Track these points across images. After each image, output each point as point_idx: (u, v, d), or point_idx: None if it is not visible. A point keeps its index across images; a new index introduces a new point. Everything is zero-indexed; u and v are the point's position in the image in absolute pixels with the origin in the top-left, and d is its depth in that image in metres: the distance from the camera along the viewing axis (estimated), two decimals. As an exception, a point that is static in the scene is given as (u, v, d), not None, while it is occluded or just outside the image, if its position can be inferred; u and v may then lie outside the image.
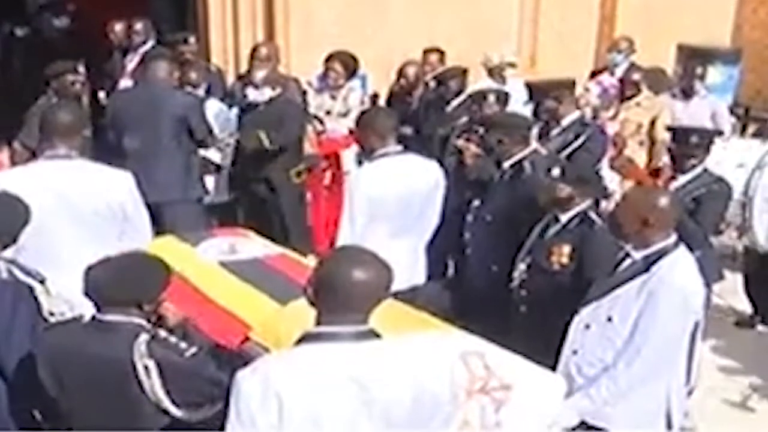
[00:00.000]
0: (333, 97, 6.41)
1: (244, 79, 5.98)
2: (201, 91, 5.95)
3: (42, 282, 3.07)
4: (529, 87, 5.36)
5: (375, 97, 7.08)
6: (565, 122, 5.00)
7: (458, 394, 2.39)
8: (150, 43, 6.93)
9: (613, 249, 3.31)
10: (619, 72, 6.81)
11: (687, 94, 6.70)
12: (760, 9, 9.50)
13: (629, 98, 6.35)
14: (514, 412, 2.50)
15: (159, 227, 4.90)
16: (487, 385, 2.45)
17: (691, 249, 3.27)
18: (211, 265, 3.76)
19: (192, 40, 6.75)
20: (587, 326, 3.25)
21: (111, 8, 7.77)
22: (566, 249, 3.75)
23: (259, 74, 5.64)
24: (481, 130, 4.82)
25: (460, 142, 5.01)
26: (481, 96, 5.33)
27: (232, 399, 2.20)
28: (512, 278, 3.96)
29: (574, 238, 3.75)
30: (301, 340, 2.28)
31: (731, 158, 4.92)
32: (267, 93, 5.58)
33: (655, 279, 3.08)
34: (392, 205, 4.22)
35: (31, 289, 3.00)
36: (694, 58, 7.68)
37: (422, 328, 3.08)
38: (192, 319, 2.92)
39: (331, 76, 6.37)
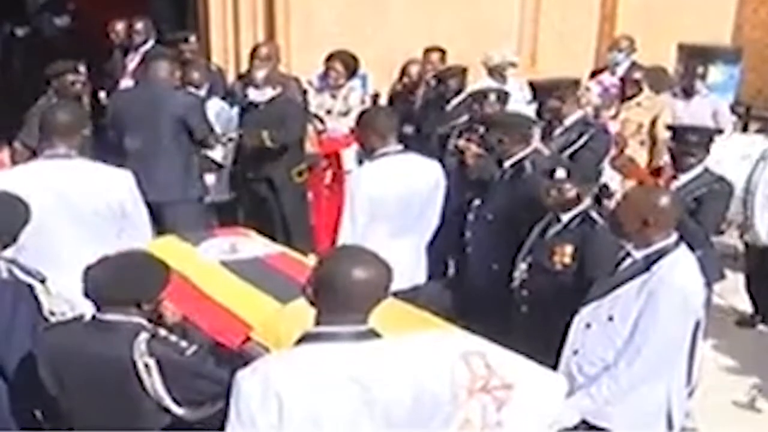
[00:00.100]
0: (333, 97, 6.41)
1: (245, 79, 5.97)
2: (203, 91, 5.95)
3: (42, 281, 3.07)
4: (533, 86, 5.35)
5: (376, 96, 7.08)
6: (568, 122, 4.99)
7: (459, 393, 2.39)
8: (150, 43, 6.93)
9: (614, 249, 3.31)
10: (620, 71, 6.80)
11: (688, 93, 6.69)
12: (761, 9, 9.50)
13: (630, 98, 6.34)
14: (516, 411, 2.50)
15: (159, 227, 4.92)
16: (488, 384, 2.45)
17: (692, 248, 3.26)
18: (212, 265, 3.75)
19: (192, 39, 6.74)
20: (588, 325, 3.24)
21: (111, 8, 7.77)
22: (568, 249, 3.75)
23: (260, 74, 5.63)
24: (482, 130, 4.82)
25: (461, 142, 5.01)
26: (481, 95, 5.33)
27: (232, 399, 2.20)
28: (513, 278, 3.96)
29: (575, 238, 3.75)
30: (301, 340, 2.28)
31: (735, 151, 4.90)
32: (268, 92, 5.58)
33: (656, 279, 3.08)
34: (393, 204, 4.22)
35: (31, 288, 3.00)
36: (695, 58, 7.68)
37: (423, 328, 3.08)
38: (192, 319, 2.92)
39: (332, 75, 6.37)
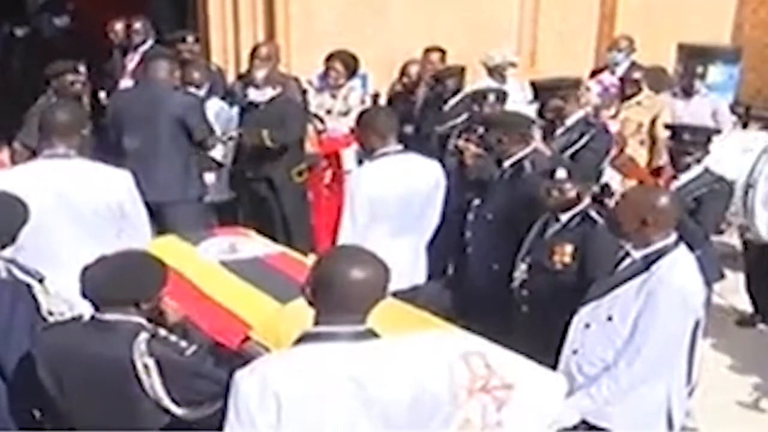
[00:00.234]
0: (333, 96, 6.41)
1: (245, 79, 5.97)
2: (203, 91, 5.95)
3: (41, 281, 3.06)
4: (534, 86, 5.35)
5: (376, 96, 7.08)
6: (569, 121, 4.99)
7: (458, 393, 2.38)
8: (149, 43, 6.93)
9: (614, 248, 3.31)
10: (620, 71, 6.81)
11: (687, 93, 6.69)
12: (761, 8, 9.49)
13: (630, 97, 6.35)
14: (516, 411, 2.50)
15: (159, 227, 4.92)
16: (488, 384, 2.45)
17: (691, 248, 3.26)
18: (211, 265, 3.76)
19: (190, 38, 6.73)
20: (587, 325, 3.24)
21: (111, 8, 7.76)
22: (568, 248, 3.75)
23: (260, 74, 5.63)
24: (481, 130, 4.82)
25: (460, 143, 5.01)
26: (480, 95, 5.34)
27: (231, 399, 2.20)
28: (513, 278, 3.95)
29: (575, 238, 3.75)
30: (299, 340, 2.27)
31: (736, 144, 4.90)
32: (268, 92, 5.58)
33: (655, 278, 3.07)
34: (393, 204, 4.22)
35: (29, 288, 3.00)
36: (695, 57, 7.68)
37: (423, 328, 3.08)
38: (192, 318, 2.92)
39: (332, 75, 6.37)
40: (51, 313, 3.01)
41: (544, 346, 3.18)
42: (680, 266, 3.12)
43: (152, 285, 2.72)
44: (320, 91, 6.51)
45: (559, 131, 5.00)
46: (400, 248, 4.17)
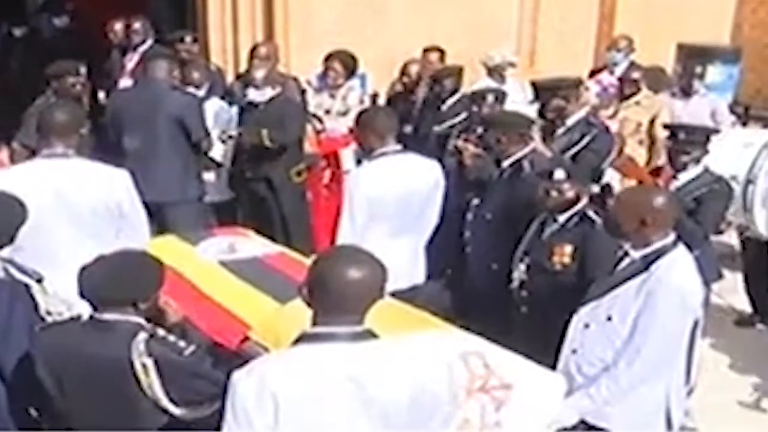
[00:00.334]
0: (332, 96, 6.41)
1: (244, 79, 5.97)
2: (203, 91, 5.95)
3: (39, 281, 3.06)
4: (535, 86, 5.35)
5: (375, 96, 7.08)
6: (570, 122, 4.99)
7: (458, 393, 2.38)
8: (149, 43, 6.93)
9: (614, 248, 3.31)
10: (619, 71, 6.80)
11: (686, 92, 6.69)
12: (760, 8, 9.49)
13: (629, 97, 6.34)
14: (515, 411, 2.50)
15: (158, 227, 4.92)
16: (487, 384, 2.45)
17: (690, 248, 3.26)
18: (210, 265, 3.76)
19: (188, 39, 6.73)
20: (587, 325, 3.24)
21: (110, 8, 7.76)
22: (568, 249, 3.74)
23: (259, 74, 5.63)
24: (480, 130, 4.82)
25: (459, 143, 5.01)
26: (479, 96, 5.34)
27: (228, 400, 2.19)
28: (512, 278, 3.95)
29: (575, 238, 3.74)
30: (297, 341, 2.27)
31: (736, 139, 4.89)
32: (267, 93, 5.57)
33: (654, 278, 3.07)
34: (392, 204, 4.22)
35: (27, 288, 2.99)
36: (694, 57, 7.67)
37: (422, 328, 3.08)
38: (191, 318, 2.91)
39: (331, 75, 6.37)
40: (49, 313, 3.01)
41: (544, 346, 3.18)
42: (679, 266, 3.12)
43: (149, 284, 2.72)
44: (319, 91, 6.50)
45: (559, 131, 5.00)
46: (399, 248, 4.17)
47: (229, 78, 7.13)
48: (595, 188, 4.20)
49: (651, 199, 3.16)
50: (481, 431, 2.46)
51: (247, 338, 3.11)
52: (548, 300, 3.69)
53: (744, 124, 8.09)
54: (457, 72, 6.09)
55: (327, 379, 2.18)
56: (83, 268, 2.67)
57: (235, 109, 5.91)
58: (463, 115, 5.54)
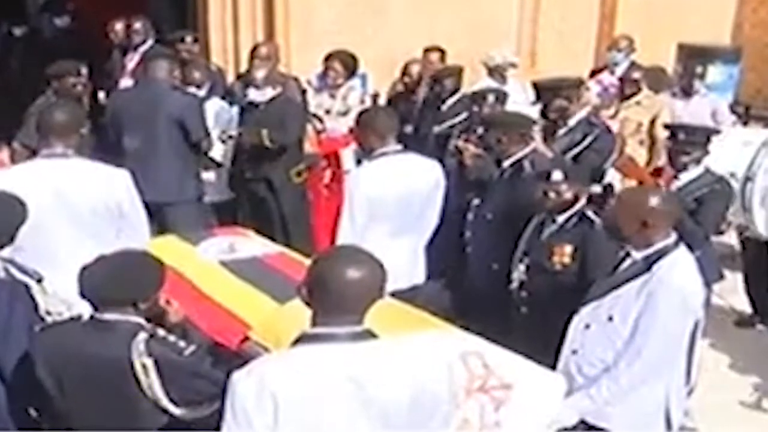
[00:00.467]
0: (332, 96, 6.40)
1: (245, 79, 5.97)
2: (203, 91, 5.95)
3: (39, 281, 3.06)
4: (536, 86, 5.34)
5: (375, 96, 7.08)
6: (572, 122, 4.99)
7: (457, 393, 2.38)
8: (149, 43, 6.93)
9: (614, 248, 3.31)
10: (619, 71, 6.80)
11: (687, 92, 6.69)
12: (761, 8, 9.49)
13: (629, 97, 6.34)
14: (514, 411, 2.50)
15: (159, 227, 4.92)
16: (486, 384, 2.45)
17: (691, 249, 3.26)
18: (211, 265, 3.76)
19: (189, 38, 6.73)
20: (587, 326, 3.24)
21: (111, 8, 7.76)
22: (568, 249, 3.74)
23: (260, 74, 5.62)
24: (480, 130, 4.82)
25: (460, 143, 5.01)
26: (480, 96, 5.34)
27: (228, 400, 2.19)
28: (512, 278, 3.95)
29: (574, 238, 3.74)
30: (297, 341, 2.27)
31: (736, 138, 4.89)
32: (268, 92, 5.57)
33: (655, 279, 3.07)
34: (392, 204, 4.22)
35: (27, 288, 2.99)
36: (694, 57, 7.67)
37: (422, 328, 3.08)
38: (191, 318, 2.92)
39: (331, 75, 6.36)
40: (49, 313, 3.01)
41: (544, 346, 3.18)
42: (680, 267, 3.12)
43: (150, 284, 2.72)
44: (319, 91, 6.50)
45: (561, 132, 5.00)
46: (399, 248, 4.17)
47: (230, 78, 7.13)
48: (597, 188, 4.20)
49: (651, 200, 3.16)
50: (480, 431, 2.46)
51: (247, 338, 3.11)
52: (548, 300, 3.69)
53: (745, 123, 8.09)
54: (458, 72, 6.09)
55: (327, 380, 2.18)
56: (83, 268, 2.67)
57: (235, 109, 5.91)
58: (464, 116, 5.54)
